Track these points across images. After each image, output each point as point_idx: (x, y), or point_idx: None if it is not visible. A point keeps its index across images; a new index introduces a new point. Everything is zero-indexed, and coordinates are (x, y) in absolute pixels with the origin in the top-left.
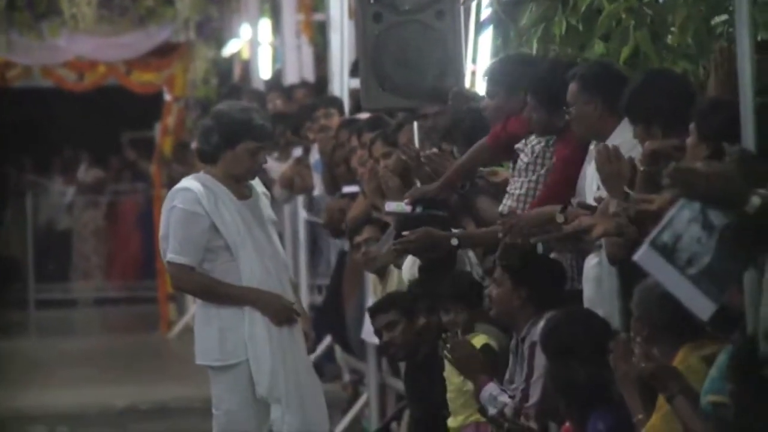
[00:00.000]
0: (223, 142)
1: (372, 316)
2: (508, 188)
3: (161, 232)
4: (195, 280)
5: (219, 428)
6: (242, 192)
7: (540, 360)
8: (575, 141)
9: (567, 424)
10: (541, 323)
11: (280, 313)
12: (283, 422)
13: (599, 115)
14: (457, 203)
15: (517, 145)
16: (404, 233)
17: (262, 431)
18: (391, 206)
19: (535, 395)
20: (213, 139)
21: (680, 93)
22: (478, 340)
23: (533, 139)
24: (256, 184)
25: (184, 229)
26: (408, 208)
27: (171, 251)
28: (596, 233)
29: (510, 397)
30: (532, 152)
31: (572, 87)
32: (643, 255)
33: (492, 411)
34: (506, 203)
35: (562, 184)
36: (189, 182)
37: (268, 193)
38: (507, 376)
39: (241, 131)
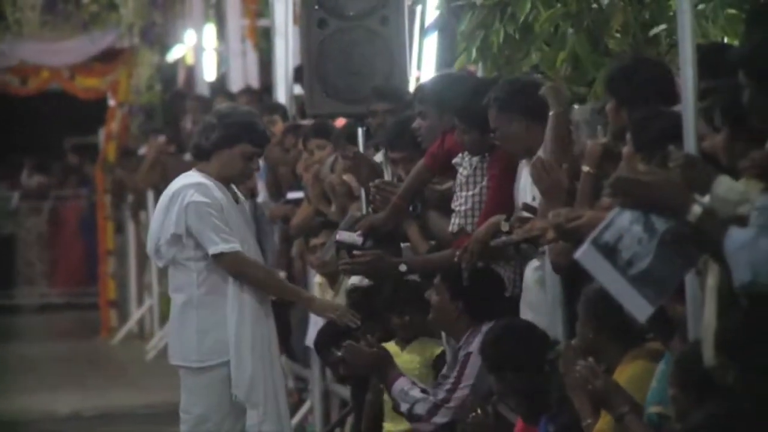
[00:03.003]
0: (222, 141)
1: (320, 351)
2: (453, 205)
3: (174, 230)
4: (259, 266)
5: (185, 431)
6: (235, 196)
7: (471, 370)
8: (504, 158)
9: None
10: (479, 335)
11: (341, 312)
12: (259, 429)
13: (525, 128)
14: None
15: (455, 160)
16: (355, 252)
17: None
18: (342, 236)
19: (455, 402)
20: (213, 136)
21: (658, 85)
22: (436, 348)
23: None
24: (239, 191)
25: (214, 218)
26: (359, 239)
27: (218, 242)
28: (549, 237)
29: (423, 391)
30: (471, 165)
31: (491, 113)
32: (583, 253)
33: (404, 406)
34: (455, 221)
35: (499, 203)
36: (195, 178)
37: (245, 201)
38: (444, 370)
39: (242, 133)
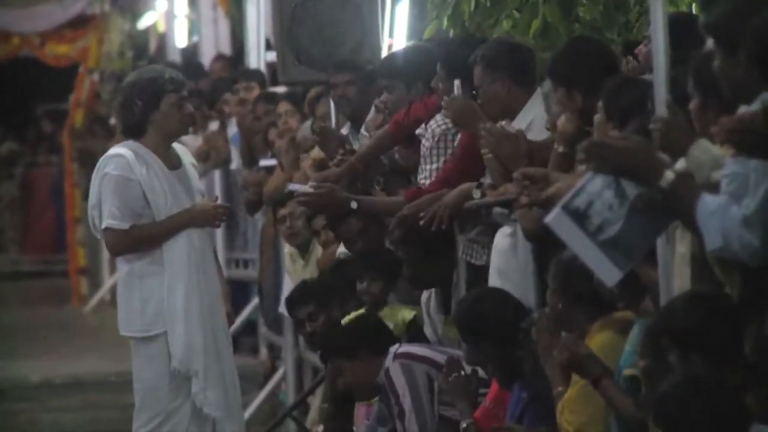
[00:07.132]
0: (146, 106)
1: (290, 307)
2: (418, 178)
3: (92, 200)
4: (133, 238)
5: (138, 401)
6: (172, 162)
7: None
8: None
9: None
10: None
11: (208, 217)
12: (204, 397)
13: (508, 91)
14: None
15: (418, 131)
16: (310, 185)
17: (184, 405)
18: (295, 186)
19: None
20: (136, 108)
21: (601, 60)
22: (407, 313)
23: (433, 122)
24: (184, 154)
25: (119, 194)
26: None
27: (108, 217)
28: (523, 201)
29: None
30: (433, 136)
31: (477, 70)
32: (554, 218)
33: None
34: None
35: (459, 172)
36: (120, 149)
37: (196, 164)
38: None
39: (158, 88)
